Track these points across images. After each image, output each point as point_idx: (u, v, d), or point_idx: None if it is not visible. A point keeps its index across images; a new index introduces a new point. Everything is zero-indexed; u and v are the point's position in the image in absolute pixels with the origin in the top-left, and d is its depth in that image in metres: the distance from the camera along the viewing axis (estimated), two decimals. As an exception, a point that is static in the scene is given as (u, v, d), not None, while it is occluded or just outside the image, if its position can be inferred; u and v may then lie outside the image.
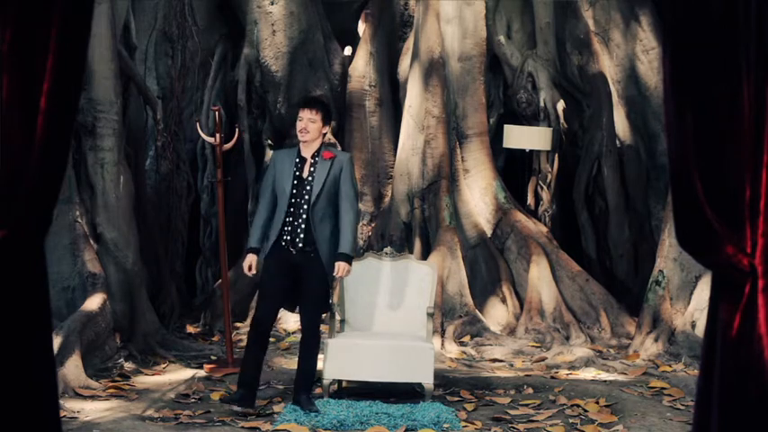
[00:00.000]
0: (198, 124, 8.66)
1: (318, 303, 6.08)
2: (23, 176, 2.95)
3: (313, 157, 6.06)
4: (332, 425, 5.66)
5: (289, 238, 5.97)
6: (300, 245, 5.97)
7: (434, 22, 9.61)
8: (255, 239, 6.10)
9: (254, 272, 6.13)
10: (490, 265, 9.38)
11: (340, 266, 5.98)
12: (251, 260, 6.11)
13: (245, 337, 8.61)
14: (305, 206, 5.99)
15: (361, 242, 9.83)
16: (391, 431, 5.55)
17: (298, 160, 6.06)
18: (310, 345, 6.08)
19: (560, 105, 9.95)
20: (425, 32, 9.61)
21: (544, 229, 9.50)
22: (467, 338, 8.48)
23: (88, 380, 6.57)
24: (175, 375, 7.15)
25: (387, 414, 5.85)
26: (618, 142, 10.01)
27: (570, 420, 5.92)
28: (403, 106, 9.87)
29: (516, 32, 10.41)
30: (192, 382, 6.88)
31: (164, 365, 7.47)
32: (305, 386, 6.06)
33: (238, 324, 9.17)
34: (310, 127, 6.03)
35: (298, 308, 6.26)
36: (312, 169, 6.02)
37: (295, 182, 6.00)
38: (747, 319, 3.04)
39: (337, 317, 6.66)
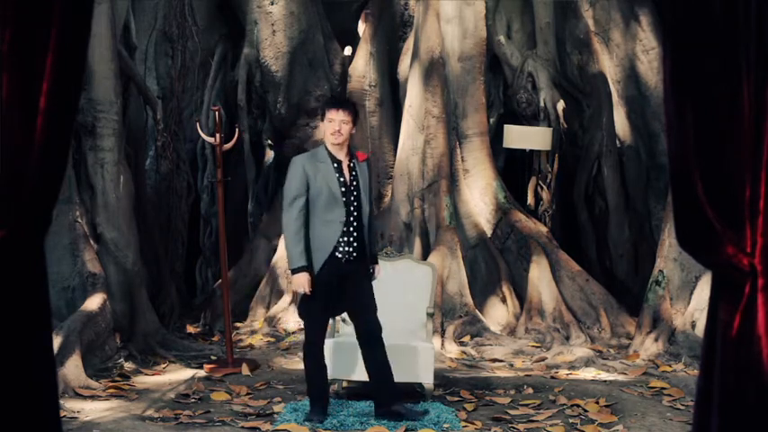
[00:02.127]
0: (198, 124, 8.67)
1: (375, 305, 5.84)
2: (23, 176, 2.94)
3: (349, 160, 5.75)
4: (332, 425, 5.66)
5: (346, 249, 5.63)
6: (355, 254, 5.67)
7: (434, 22, 9.61)
8: (305, 257, 5.54)
9: (309, 291, 5.60)
10: (490, 265, 9.38)
11: (379, 268, 5.96)
12: (306, 280, 5.55)
13: (245, 337, 8.66)
14: (355, 213, 5.68)
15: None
16: (391, 431, 5.54)
17: (336, 165, 5.68)
18: (382, 347, 5.78)
19: (560, 105, 9.95)
20: (425, 32, 9.61)
21: (544, 229, 9.50)
22: (467, 338, 8.48)
23: (88, 380, 6.57)
24: (175, 375, 7.15)
25: (387, 414, 5.85)
26: (618, 142, 10.01)
27: (570, 420, 5.92)
28: (403, 106, 9.87)
29: (516, 32, 10.41)
30: (192, 382, 6.88)
31: (164, 365, 7.47)
32: (397, 393, 5.83)
33: (238, 324, 9.17)
34: (344, 129, 5.66)
35: (345, 314, 6.08)
36: (353, 174, 5.70)
37: (342, 189, 5.64)
38: (747, 319, 3.04)
39: (337, 317, 6.66)
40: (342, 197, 5.60)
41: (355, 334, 5.86)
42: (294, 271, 5.56)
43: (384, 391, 5.81)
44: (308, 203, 5.59)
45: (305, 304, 5.72)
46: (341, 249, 5.63)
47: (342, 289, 5.70)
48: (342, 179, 5.66)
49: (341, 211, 5.61)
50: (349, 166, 5.72)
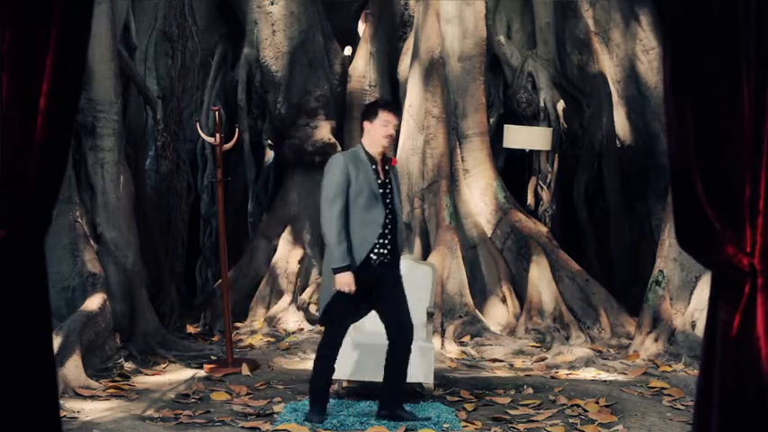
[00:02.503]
0: (198, 124, 8.66)
1: (408, 307, 5.80)
2: (23, 176, 2.95)
3: (384, 163, 5.72)
4: (332, 425, 5.66)
5: (381, 251, 5.61)
6: (389, 257, 5.66)
7: (434, 22, 9.61)
8: (347, 256, 5.47)
9: (354, 290, 5.51)
10: (490, 265, 9.37)
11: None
12: (351, 279, 5.48)
13: (245, 337, 8.66)
14: (390, 216, 5.66)
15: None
16: (391, 431, 5.54)
17: (374, 166, 5.63)
18: (408, 352, 5.75)
19: (560, 105, 9.95)
20: (425, 32, 9.61)
21: (544, 229, 9.50)
22: (467, 338, 8.48)
23: (88, 380, 6.57)
24: (175, 375, 7.15)
25: (387, 414, 5.85)
26: (618, 142, 10.01)
27: (570, 420, 5.92)
28: (403, 106, 9.87)
29: (516, 32, 10.41)
30: (192, 382, 6.88)
31: (164, 365, 7.47)
32: (402, 397, 5.83)
33: (238, 324, 9.17)
34: (394, 133, 5.77)
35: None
36: (388, 177, 5.68)
37: (380, 191, 5.61)
38: (747, 319, 3.04)
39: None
40: (383, 200, 5.60)
41: (387, 333, 5.78)
42: (338, 270, 5.47)
43: (394, 394, 5.79)
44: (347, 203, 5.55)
45: (334, 305, 5.62)
46: (376, 251, 5.60)
47: (371, 292, 5.63)
48: (379, 180, 5.65)
49: (380, 212, 5.60)
50: (384, 168, 5.71)
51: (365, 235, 5.56)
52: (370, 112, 5.74)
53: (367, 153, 5.67)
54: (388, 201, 5.64)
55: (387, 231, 5.62)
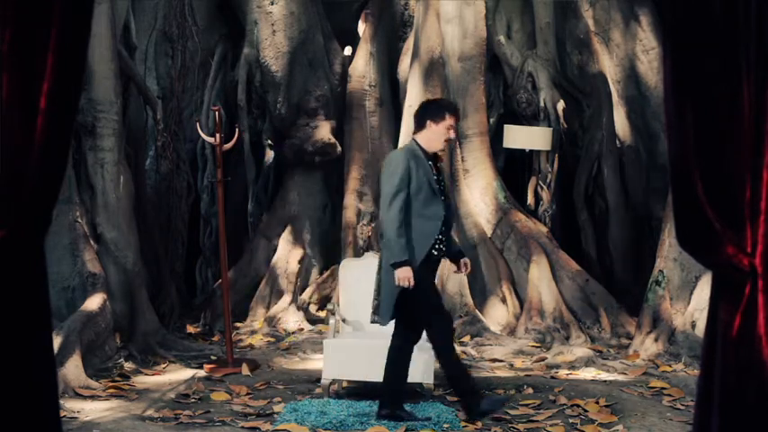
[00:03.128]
0: (198, 124, 8.66)
1: None
2: (23, 176, 2.95)
3: (436, 161, 5.79)
4: (332, 425, 5.66)
5: (439, 246, 5.67)
6: (444, 251, 5.73)
7: (434, 22, 9.61)
8: (407, 251, 5.51)
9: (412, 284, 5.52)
10: (490, 265, 9.37)
11: (469, 262, 6.01)
12: (411, 273, 5.49)
13: (245, 337, 8.65)
14: (444, 213, 5.71)
15: (360, 242, 9.84)
16: (391, 431, 5.54)
17: (430, 163, 5.70)
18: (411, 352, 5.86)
19: (560, 105, 9.95)
20: (425, 32, 9.61)
21: (544, 229, 9.50)
22: (467, 338, 8.48)
23: (88, 380, 6.57)
24: (175, 375, 7.15)
25: (387, 414, 5.85)
26: (618, 142, 10.01)
27: (570, 420, 5.92)
28: (403, 106, 9.87)
29: (516, 32, 10.41)
30: (192, 382, 6.88)
31: (164, 365, 7.47)
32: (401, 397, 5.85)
33: (238, 324, 9.17)
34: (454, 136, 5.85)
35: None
36: (440, 174, 5.77)
37: (437, 186, 5.68)
38: (748, 320, 3.04)
39: (337, 317, 6.66)
40: (439, 193, 5.65)
41: (402, 324, 5.80)
42: (398, 264, 5.48)
43: (394, 394, 5.79)
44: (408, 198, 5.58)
45: (427, 303, 5.63)
46: (436, 246, 5.66)
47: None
48: (435, 176, 5.70)
49: (439, 207, 5.65)
50: (436, 165, 5.77)
51: (427, 230, 5.60)
52: (436, 114, 5.74)
53: (423, 150, 5.70)
54: (443, 197, 5.70)
55: (443, 227, 5.68)
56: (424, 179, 5.59)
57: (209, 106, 10.14)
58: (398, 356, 5.77)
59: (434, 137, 5.72)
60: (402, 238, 5.48)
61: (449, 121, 5.74)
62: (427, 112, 5.80)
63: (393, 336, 5.85)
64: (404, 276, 5.48)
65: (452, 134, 5.77)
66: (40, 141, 2.94)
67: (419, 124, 5.81)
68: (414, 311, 5.68)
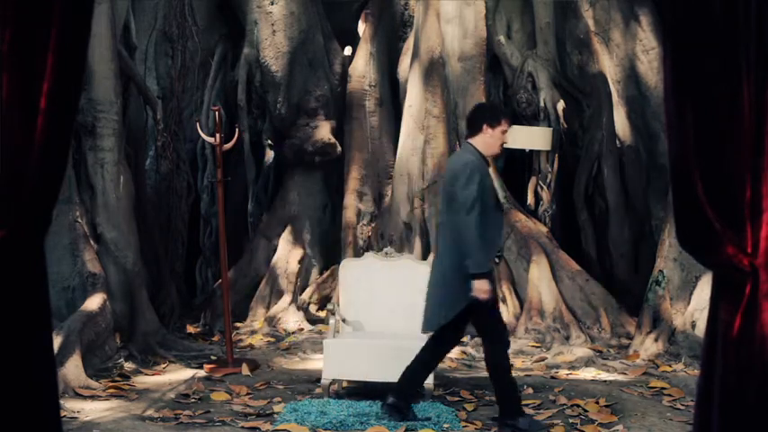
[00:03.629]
0: (198, 124, 8.66)
1: None
2: (23, 176, 2.95)
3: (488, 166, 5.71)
4: (332, 425, 5.66)
5: (499, 254, 5.62)
6: (501, 255, 5.65)
7: (434, 22, 9.61)
8: (486, 262, 5.41)
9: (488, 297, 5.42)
10: (490, 265, 9.37)
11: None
12: (489, 287, 5.39)
13: (245, 337, 8.65)
14: (503, 219, 5.66)
15: (360, 242, 9.84)
16: (391, 431, 5.54)
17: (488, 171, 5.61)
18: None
19: (560, 105, 9.95)
20: (425, 32, 9.60)
21: (544, 229, 9.50)
22: (467, 338, 8.48)
23: (88, 380, 6.57)
24: (175, 375, 7.15)
25: (387, 414, 5.84)
26: (618, 142, 10.00)
27: (570, 420, 5.92)
28: (403, 106, 9.87)
29: (516, 32, 10.40)
30: (192, 382, 6.88)
31: (164, 365, 7.47)
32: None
33: (238, 324, 9.17)
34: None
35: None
36: (496, 183, 5.76)
37: (499, 194, 5.67)
38: (748, 320, 3.04)
39: (337, 317, 6.66)
40: (501, 200, 5.54)
41: (447, 329, 5.73)
42: (478, 276, 5.34)
43: (407, 392, 5.77)
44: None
45: (488, 310, 5.50)
46: (497, 254, 5.62)
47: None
48: (493, 183, 5.63)
49: (500, 215, 5.59)
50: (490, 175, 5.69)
51: (494, 238, 5.52)
52: (493, 118, 5.62)
53: (481, 154, 5.60)
54: (501, 204, 5.65)
55: (501, 233, 5.61)
56: (490, 187, 5.50)
57: (209, 106, 10.14)
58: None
59: (492, 141, 5.59)
60: (483, 249, 5.33)
61: (504, 125, 5.62)
62: (483, 116, 5.66)
63: (429, 339, 5.77)
64: (482, 289, 5.34)
65: (507, 138, 5.66)
66: (40, 141, 2.94)
67: (474, 128, 5.65)
68: (477, 324, 5.59)
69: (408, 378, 5.79)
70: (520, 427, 5.54)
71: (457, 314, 5.51)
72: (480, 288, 5.35)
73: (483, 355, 8.01)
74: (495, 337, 5.60)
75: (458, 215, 5.42)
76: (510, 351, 8.04)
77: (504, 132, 5.62)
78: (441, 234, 5.70)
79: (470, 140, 5.65)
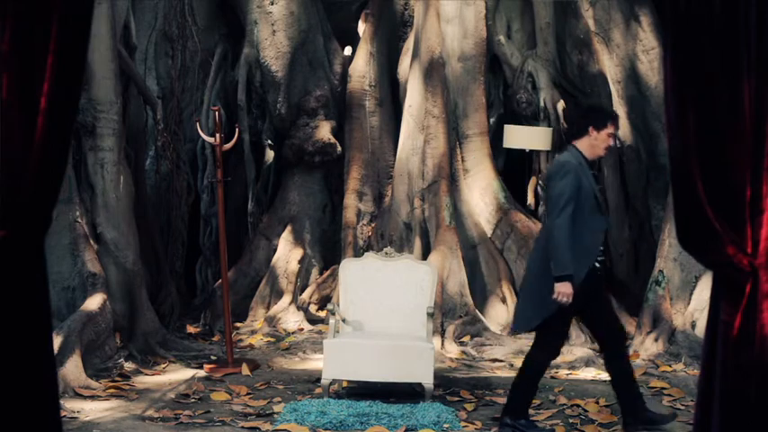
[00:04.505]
0: (198, 124, 8.65)
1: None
2: (23, 176, 2.94)
3: (594, 169, 5.61)
4: (332, 425, 5.66)
5: (601, 259, 5.46)
6: (605, 264, 5.50)
7: (434, 22, 9.61)
8: (572, 265, 5.26)
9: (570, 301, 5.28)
10: (490, 265, 9.37)
11: None
12: (572, 290, 5.26)
13: (245, 337, 8.65)
14: (605, 225, 5.56)
15: (361, 242, 9.84)
16: (391, 431, 5.54)
17: (592, 172, 5.50)
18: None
19: (560, 105, 9.94)
20: (425, 32, 9.60)
21: (544, 229, 9.50)
22: (467, 338, 8.48)
23: (88, 380, 6.57)
24: (175, 375, 7.15)
25: (387, 414, 5.85)
26: (618, 142, 10.00)
27: (570, 420, 5.92)
28: (403, 106, 9.86)
29: (516, 32, 10.40)
30: (191, 382, 6.88)
31: (164, 365, 7.47)
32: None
33: (238, 324, 9.17)
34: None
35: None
36: (599, 186, 5.57)
37: (600, 197, 5.50)
38: (748, 320, 3.04)
39: (337, 317, 6.67)
40: (602, 203, 5.46)
41: (600, 344, 5.68)
42: (562, 278, 5.23)
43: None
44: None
45: (557, 314, 5.37)
46: (599, 260, 5.44)
47: (584, 302, 5.43)
48: (597, 187, 5.53)
49: (602, 219, 5.49)
50: (594, 174, 5.60)
51: (592, 243, 5.39)
52: (599, 121, 5.54)
53: (585, 158, 5.51)
54: (602, 208, 5.52)
55: (604, 239, 5.48)
56: (589, 189, 5.38)
57: (209, 106, 10.13)
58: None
59: (596, 144, 5.51)
60: (569, 252, 5.23)
61: (610, 128, 5.54)
62: (589, 120, 5.59)
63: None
64: (564, 292, 5.24)
65: (612, 141, 5.57)
66: (40, 141, 2.94)
67: (580, 131, 5.58)
68: (550, 324, 5.46)
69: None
70: (519, 427, 5.51)
71: (552, 319, 5.40)
72: (562, 291, 5.23)
73: (482, 355, 8.06)
74: (550, 346, 5.55)
75: (550, 216, 5.39)
76: (510, 351, 8.14)
77: (609, 135, 5.53)
78: (539, 235, 5.62)
79: (575, 143, 5.58)
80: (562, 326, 5.54)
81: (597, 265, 5.44)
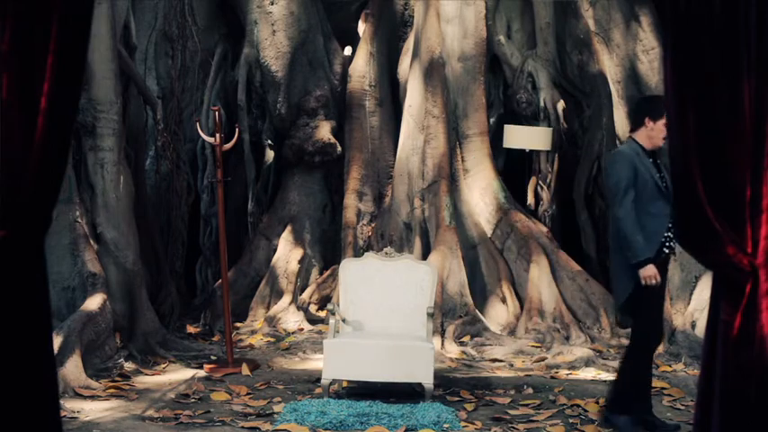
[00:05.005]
0: (198, 124, 8.65)
1: None
2: (23, 176, 2.94)
3: (656, 158, 5.65)
4: (332, 425, 5.66)
5: (670, 244, 5.49)
6: (673, 249, 5.55)
7: (434, 22, 9.61)
8: (646, 248, 5.37)
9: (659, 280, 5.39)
10: (490, 265, 9.37)
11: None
12: (656, 271, 5.35)
13: (245, 337, 8.65)
14: (671, 209, 5.55)
15: (361, 242, 9.84)
16: (391, 431, 5.54)
17: (651, 160, 5.60)
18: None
19: (560, 105, 9.94)
20: (425, 32, 9.60)
21: (544, 229, 9.50)
22: (467, 338, 8.48)
23: (88, 380, 6.57)
24: (175, 375, 7.15)
25: (387, 414, 5.85)
26: (618, 142, 9.99)
27: (570, 420, 5.92)
28: (403, 106, 9.86)
29: (516, 32, 10.40)
30: (191, 382, 6.88)
31: (164, 365, 7.47)
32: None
33: (238, 324, 9.17)
34: None
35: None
36: (663, 173, 5.59)
37: (662, 184, 5.54)
38: (748, 320, 3.04)
39: (337, 317, 6.67)
40: (664, 190, 5.52)
41: (639, 336, 5.63)
42: (642, 263, 5.34)
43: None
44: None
45: (644, 301, 5.45)
46: (667, 244, 5.50)
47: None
48: (659, 174, 5.60)
49: (664, 203, 5.52)
50: (656, 162, 5.65)
51: (655, 227, 5.47)
52: (655, 112, 5.62)
53: (643, 148, 5.61)
54: (667, 194, 5.54)
55: (671, 224, 5.51)
56: (647, 176, 5.49)
57: (209, 106, 10.12)
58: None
59: (654, 134, 5.60)
60: (639, 236, 5.36)
61: (666, 120, 5.50)
62: (646, 110, 5.69)
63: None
64: (649, 275, 5.34)
65: (666, 131, 5.48)
66: (40, 141, 2.94)
67: (637, 122, 5.70)
68: (637, 313, 5.52)
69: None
70: (616, 423, 5.51)
71: (636, 312, 5.49)
72: (647, 274, 5.34)
73: (482, 355, 8.06)
74: (642, 341, 5.54)
75: (612, 207, 5.54)
76: (510, 351, 8.14)
77: (666, 125, 5.59)
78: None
79: (633, 135, 5.69)
80: (656, 310, 5.58)
81: (665, 250, 5.51)
